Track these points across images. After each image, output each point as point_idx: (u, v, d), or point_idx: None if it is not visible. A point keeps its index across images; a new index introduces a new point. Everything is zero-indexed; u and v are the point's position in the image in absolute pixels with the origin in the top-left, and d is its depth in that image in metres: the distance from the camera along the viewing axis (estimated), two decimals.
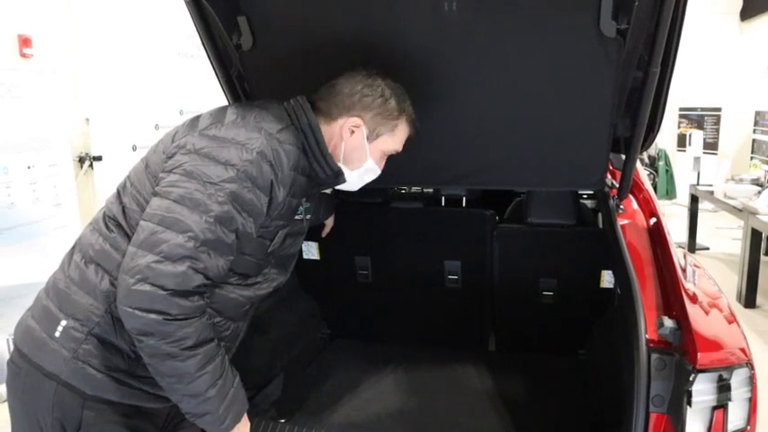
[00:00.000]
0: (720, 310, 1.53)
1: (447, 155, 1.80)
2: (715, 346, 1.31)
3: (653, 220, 1.89)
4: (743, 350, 1.34)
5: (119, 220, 1.22)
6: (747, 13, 7.75)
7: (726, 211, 4.93)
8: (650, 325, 1.39)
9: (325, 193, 2.01)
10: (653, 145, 6.38)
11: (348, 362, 2.39)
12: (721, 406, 1.27)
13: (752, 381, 1.32)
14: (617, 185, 1.89)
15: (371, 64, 1.38)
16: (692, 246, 5.78)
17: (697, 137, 6.26)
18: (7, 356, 1.29)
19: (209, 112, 1.30)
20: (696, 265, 1.86)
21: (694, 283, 1.62)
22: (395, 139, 1.38)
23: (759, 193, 4.55)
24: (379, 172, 1.42)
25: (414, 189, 2.74)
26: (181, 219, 1.09)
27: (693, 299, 1.46)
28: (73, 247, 1.29)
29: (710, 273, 1.88)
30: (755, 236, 4.29)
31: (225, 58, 1.76)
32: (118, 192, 1.28)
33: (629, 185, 1.85)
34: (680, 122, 7.40)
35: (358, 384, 2.21)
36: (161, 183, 1.16)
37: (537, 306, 2.31)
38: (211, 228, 1.10)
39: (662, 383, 1.33)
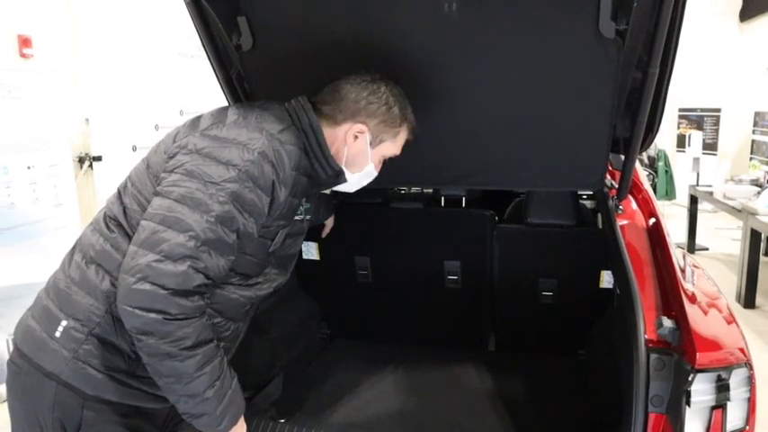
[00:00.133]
0: (719, 311, 1.53)
1: (447, 155, 1.80)
2: (714, 346, 1.32)
3: (652, 221, 1.89)
4: (742, 350, 1.34)
5: (119, 220, 1.22)
6: (747, 13, 7.75)
7: (725, 211, 4.93)
8: (649, 325, 1.39)
9: (324, 194, 2.01)
10: (652, 145, 6.40)
11: (348, 362, 2.39)
12: (720, 406, 1.28)
13: (751, 381, 1.32)
14: (616, 186, 1.89)
15: (371, 64, 1.39)
16: (691, 246, 5.78)
17: (696, 137, 6.26)
18: (7, 356, 1.29)
19: (210, 112, 1.30)
20: (695, 266, 1.86)
21: (693, 284, 1.62)
22: (396, 144, 1.40)
23: (758, 193, 4.55)
24: (376, 174, 1.43)
25: (414, 189, 2.74)
26: (182, 218, 1.09)
27: (692, 299, 1.46)
28: (73, 248, 1.30)
29: (710, 273, 1.88)
30: (755, 236, 4.29)
31: (225, 59, 1.76)
32: (119, 192, 1.28)
33: (629, 186, 1.85)
34: (679, 123, 7.40)
35: (358, 384, 2.21)
36: (162, 182, 1.16)
37: (537, 306, 2.31)
38: (212, 227, 1.10)
39: (661, 383, 1.33)
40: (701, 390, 1.27)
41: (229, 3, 1.57)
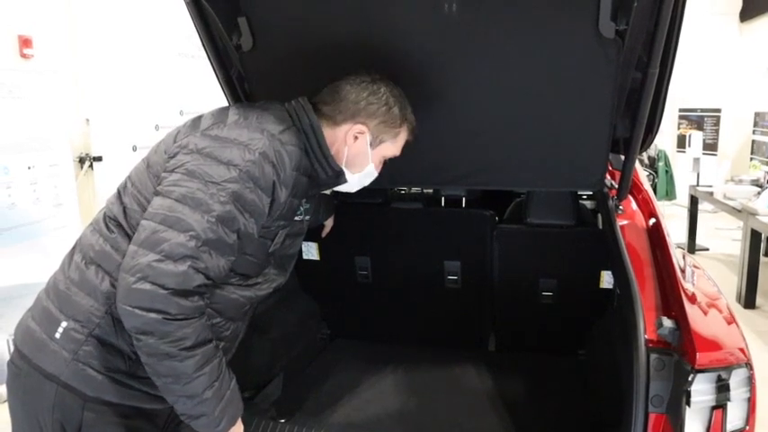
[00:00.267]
0: (719, 311, 1.53)
1: (447, 155, 1.81)
2: (714, 346, 1.32)
3: (652, 221, 1.89)
4: (742, 350, 1.34)
5: (119, 221, 1.22)
6: (747, 14, 7.75)
7: (725, 211, 4.93)
8: (649, 325, 1.39)
9: (324, 195, 2.01)
10: (653, 146, 6.40)
11: (348, 362, 2.39)
12: (720, 406, 1.28)
13: (751, 381, 1.32)
14: (616, 186, 1.89)
15: (372, 64, 1.39)
16: (691, 246, 5.78)
17: (697, 138, 6.26)
18: (8, 357, 1.28)
19: (210, 112, 1.30)
20: (695, 266, 1.86)
21: (693, 284, 1.62)
22: (396, 145, 1.41)
23: (758, 193, 4.55)
24: (376, 175, 1.43)
25: (414, 189, 2.74)
26: (183, 218, 1.09)
27: (692, 299, 1.47)
28: (73, 248, 1.29)
29: (710, 273, 1.88)
30: (755, 237, 4.29)
31: (225, 59, 1.76)
32: (118, 192, 1.28)
33: (629, 186, 1.85)
34: (680, 123, 7.40)
35: (358, 384, 2.21)
36: (163, 182, 1.16)
37: (537, 306, 2.31)
38: (213, 227, 1.10)
39: (661, 383, 1.33)
40: (701, 390, 1.27)
41: (230, 3, 1.57)
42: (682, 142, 6.93)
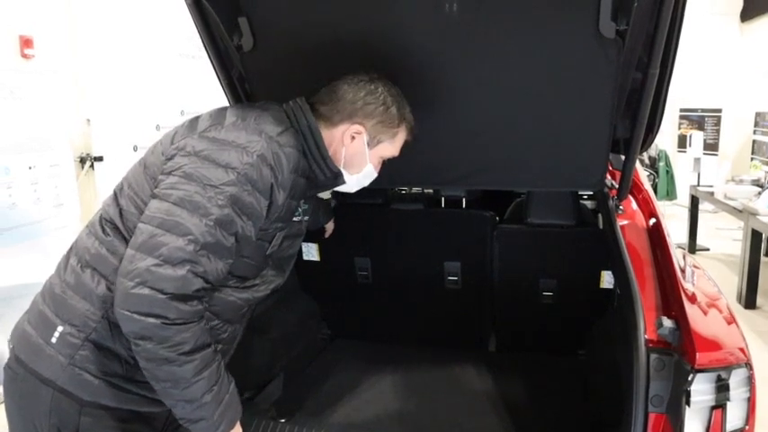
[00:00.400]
0: (719, 311, 1.53)
1: (447, 155, 1.81)
2: (714, 346, 1.32)
3: (652, 221, 1.90)
4: (742, 350, 1.34)
5: (116, 223, 1.21)
6: (748, 14, 7.75)
7: (726, 211, 4.93)
8: (649, 325, 1.40)
9: (322, 199, 2.01)
10: (653, 146, 6.39)
11: (348, 362, 2.39)
12: (720, 406, 1.28)
13: (751, 381, 1.32)
14: (617, 186, 1.89)
15: (372, 65, 1.39)
16: (692, 246, 5.78)
17: (697, 138, 6.26)
18: (8, 357, 1.28)
19: (208, 113, 1.29)
20: (696, 266, 1.86)
21: (693, 284, 1.62)
22: (394, 145, 1.40)
23: (759, 194, 4.54)
24: (375, 175, 1.43)
25: (414, 189, 2.74)
26: (181, 222, 1.08)
27: (692, 299, 1.47)
28: (69, 251, 1.28)
29: (711, 273, 1.88)
30: (756, 237, 4.29)
31: (226, 59, 1.76)
32: (115, 194, 1.27)
33: (629, 186, 1.85)
34: (680, 123, 7.39)
35: (358, 385, 2.21)
36: (160, 185, 1.15)
37: (537, 306, 2.31)
38: (211, 231, 1.09)
39: (661, 383, 1.33)
40: (701, 390, 1.27)
41: (230, 3, 1.57)
42: (682, 142, 6.93)
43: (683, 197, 6.52)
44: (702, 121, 7.06)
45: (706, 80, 7.63)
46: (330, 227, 2.14)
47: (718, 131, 6.90)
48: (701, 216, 5.83)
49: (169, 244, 1.06)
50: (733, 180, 5.42)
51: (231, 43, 1.66)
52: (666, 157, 7.00)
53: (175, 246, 1.06)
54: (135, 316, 1.04)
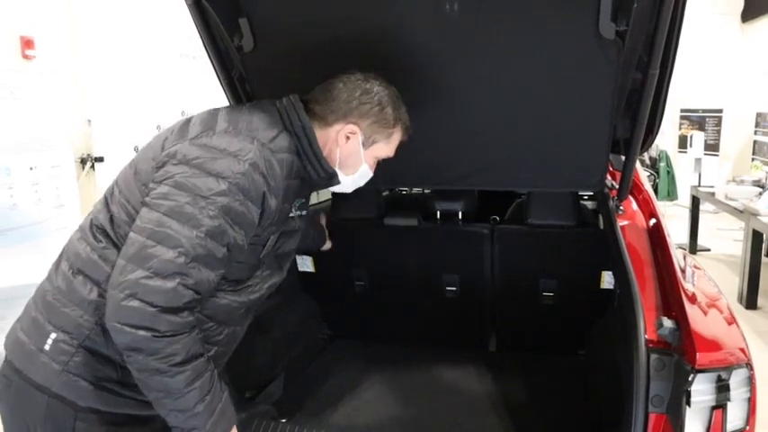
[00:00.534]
0: (720, 311, 1.53)
1: (447, 155, 1.81)
2: (714, 346, 1.32)
3: (652, 221, 1.90)
4: (742, 350, 1.34)
5: (106, 230, 1.19)
6: (748, 14, 7.75)
7: (727, 212, 4.93)
8: (650, 325, 1.40)
9: (315, 220, 1.99)
10: (654, 146, 6.40)
11: (348, 362, 2.39)
12: (720, 406, 1.28)
13: (751, 381, 1.32)
14: (617, 186, 1.89)
15: (372, 65, 1.39)
16: (693, 247, 5.78)
17: (698, 138, 6.26)
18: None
19: (199, 116, 1.27)
20: (696, 267, 1.86)
21: (694, 284, 1.62)
22: (390, 145, 1.38)
23: (760, 194, 4.54)
24: (371, 175, 1.41)
25: (415, 190, 2.74)
26: (171, 233, 1.07)
27: (693, 299, 1.47)
28: (60, 255, 1.27)
29: (711, 274, 1.88)
30: (756, 237, 4.28)
31: (226, 60, 1.76)
32: (105, 199, 1.25)
33: (629, 186, 1.85)
34: (681, 124, 7.39)
35: (358, 385, 2.21)
36: (151, 193, 1.13)
37: (537, 307, 2.31)
38: (202, 243, 1.08)
39: (661, 383, 1.33)
40: (702, 390, 1.27)
41: (231, 4, 1.57)
42: (683, 143, 6.93)
43: (684, 197, 6.52)
44: (703, 121, 7.06)
45: (707, 80, 7.63)
46: (328, 246, 2.13)
47: (718, 132, 6.89)
48: (701, 216, 5.83)
49: (159, 256, 1.05)
50: (734, 180, 5.42)
51: (231, 44, 1.67)
52: (667, 158, 7.00)
53: (166, 258, 1.05)
54: (126, 328, 1.04)
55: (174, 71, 3.94)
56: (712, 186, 5.47)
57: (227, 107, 1.31)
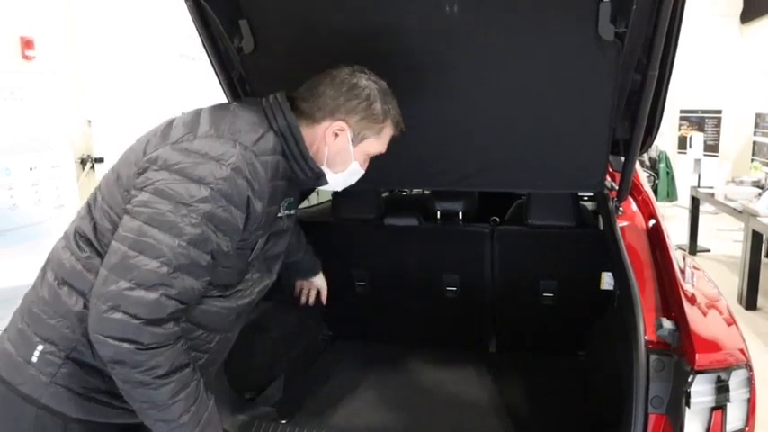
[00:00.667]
0: (719, 312, 1.53)
1: (447, 156, 1.81)
2: (713, 347, 1.32)
3: (652, 222, 1.90)
4: (741, 351, 1.35)
5: (90, 238, 1.17)
6: (747, 15, 7.76)
7: (726, 213, 4.93)
8: (649, 326, 1.40)
9: (309, 253, 1.90)
10: (654, 147, 6.40)
11: (349, 363, 2.39)
12: (720, 407, 1.28)
13: (750, 382, 1.32)
14: (616, 187, 1.90)
15: (373, 66, 1.39)
16: (692, 248, 5.78)
17: (698, 139, 6.27)
18: None
19: (182, 119, 1.23)
20: (696, 267, 1.87)
21: (693, 285, 1.63)
22: (380, 141, 1.34)
23: (759, 195, 4.55)
24: (362, 173, 1.38)
25: (415, 190, 2.74)
26: (153, 243, 1.05)
27: (692, 300, 1.47)
28: (46, 264, 1.25)
29: (711, 275, 1.88)
30: (756, 238, 4.29)
31: (226, 61, 1.76)
32: (88, 205, 1.23)
33: (629, 187, 1.86)
34: (680, 125, 7.40)
35: (358, 385, 2.21)
36: (132, 201, 1.11)
37: (537, 307, 2.32)
38: (185, 252, 1.06)
39: (661, 384, 1.33)
40: (701, 391, 1.27)
41: (231, 5, 1.58)
42: (683, 143, 6.93)
43: (684, 198, 6.52)
44: (702, 122, 7.07)
45: (706, 81, 7.64)
46: (322, 285, 1.98)
47: (718, 133, 6.90)
48: (701, 217, 5.83)
49: (142, 266, 1.03)
50: (733, 181, 5.42)
51: (231, 45, 1.67)
52: (667, 159, 7.01)
53: (148, 268, 1.03)
54: (109, 341, 1.02)
55: (175, 72, 3.95)
56: (712, 187, 5.48)
57: (211, 107, 1.27)
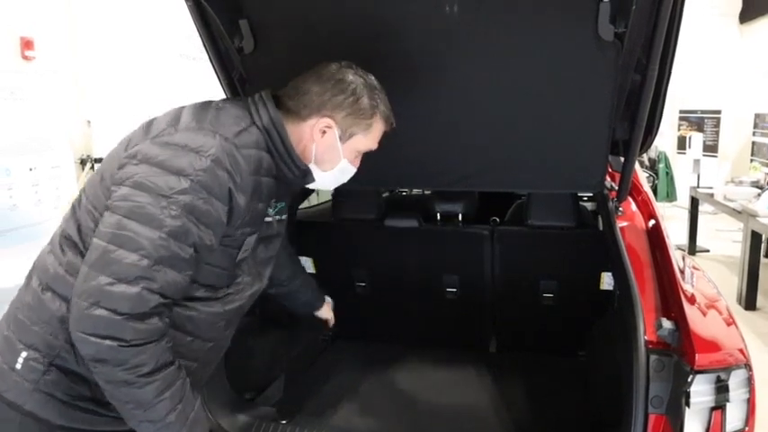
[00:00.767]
0: (719, 312, 1.54)
1: (447, 157, 1.81)
2: (713, 347, 1.32)
3: (652, 222, 1.90)
4: (741, 351, 1.35)
5: (74, 239, 1.15)
6: (747, 15, 7.77)
7: (726, 213, 4.94)
8: (649, 326, 1.40)
9: (311, 282, 1.86)
10: (653, 147, 6.41)
11: (349, 363, 2.39)
12: (719, 407, 1.28)
13: (750, 382, 1.32)
14: (616, 188, 1.90)
15: (373, 66, 1.39)
16: (692, 248, 5.78)
17: (697, 139, 6.27)
18: None
19: (165, 114, 1.21)
20: (695, 268, 1.87)
21: (693, 285, 1.63)
22: (369, 137, 1.30)
23: (759, 195, 4.55)
24: (354, 171, 1.34)
25: (415, 191, 2.74)
26: (132, 236, 1.02)
27: (692, 300, 1.47)
28: (31, 270, 1.23)
29: (711, 275, 1.89)
30: (755, 238, 4.29)
31: (226, 61, 1.77)
32: (73, 208, 1.21)
33: (628, 187, 1.86)
34: (680, 125, 7.41)
35: (359, 386, 2.22)
36: (112, 196, 1.08)
37: (537, 308, 2.32)
38: (165, 244, 1.03)
39: (661, 384, 1.34)
40: (701, 391, 1.27)
41: (231, 5, 1.58)
42: (682, 144, 6.94)
43: (683, 198, 6.53)
44: (702, 122, 7.08)
45: (705, 81, 7.65)
46: (329, 315, 1.93)
47: (717, 133, 6.91)
48: (700, 217, 5.84)
49: (122, 260, 1.01)
50: (732, 181, 5.43)
51: (232, 45, 1.67)
52: (666, 159, 7.01)
53: (128, 262, 1.01)
54: (90, 338, 1.00)
55: (175, 72, 3.95)
56: (711, 187, 5.48)
57: (195, 103, 1.24)
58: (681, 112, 7.38)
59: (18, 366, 1.14)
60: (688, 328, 1.33)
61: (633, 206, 2.03)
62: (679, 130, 7.40)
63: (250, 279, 1.29)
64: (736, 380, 1.30)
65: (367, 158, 1.36)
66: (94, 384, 1.12)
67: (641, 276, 1.58)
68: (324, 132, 1.24)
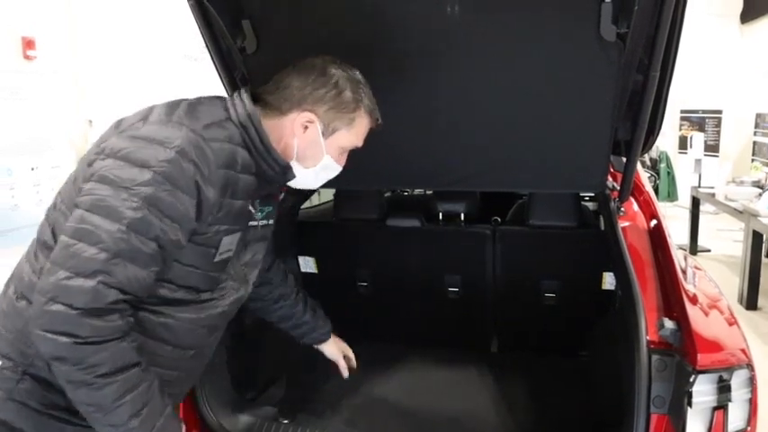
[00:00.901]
0: (720, 312, 1.54)
1: (448, 157, 1.81)
2: (715, 347, 1.32)
3: (653, 222, 1.90)
4: (743, 351, 1.35)
5: (50, 244, 1.11)
6: (748, 15, 7.77)
7: (727, 213, 4.94)
8: (651, 326, 1.40)
9: (318, 313, 1.81)
10: (654, 147, 6.39)
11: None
12: (721, 407, 1.28)
13: (752, 382, 1.32)
14: (618, 188, 1.90)
15: (374, 66, 1.39)
16: (693, 248, 5.78)
17: (698, 139, 6.27)
18: None
19: (138, 110, 1.18)
20: (697, 267, 1.87)
21: (694, 285, 1.63)
22: (353, 132, 1.26)
23: (760, 195, 4.55)
24: (339, 169, 1.30)
25: (416, 191, 2.74)
26: (92, 229, 1.00)
27: (694, 300, 1.47)
28: (9, 278, 1.21)
29: (712, 275, 1.89)
30: (756, 238, 4.29)
31: (229, 61, 1.77)
32: (48, 211, 1.19)
33: (630, 188, 1.86)
34: (681, 125, 7.41)
35: (360, 385, 2.21)
36: (80, 193, 1.06)
37: (539, 307, 2.32)
38: (124, 237, 1.00)
39: (663, 384, 1.34)
40: (703, 390, 1.27)
41: (233, 5, 1.58)
42: (683, 144, 6.94)
43: (684, 198, 6.53)
44: (703, 122, 7.08)
45: (706, 81, 7.65)
46: (333, 353, 1.84)
47: (718, 133, 6.91)
48: (702, 217, 5.84)
49: (81, 254, 0.98)
50: (734, 181, 5.43)
51: (234, 45, 1.67)
52: (667, 159, 7.02)
53: (86, 255, 0.98)
54: (47, 335, 0.97)
55: (175, 72, 3.95)
56: (712, 187, 5.48)
57: (170, 100, 1.21)
58: (682, 111, 7.38)
59: None
60: (690, 328, 1.33)
61: (635, 206, 2.03)
62: (680, 129, 7.40)
63: (236, 284, 1.26)
64: (738, 380, 1.30)
65: (367, 159, 1.36)
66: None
67: (643, 276, 1.58)
68: (306, 127, 1.21)
